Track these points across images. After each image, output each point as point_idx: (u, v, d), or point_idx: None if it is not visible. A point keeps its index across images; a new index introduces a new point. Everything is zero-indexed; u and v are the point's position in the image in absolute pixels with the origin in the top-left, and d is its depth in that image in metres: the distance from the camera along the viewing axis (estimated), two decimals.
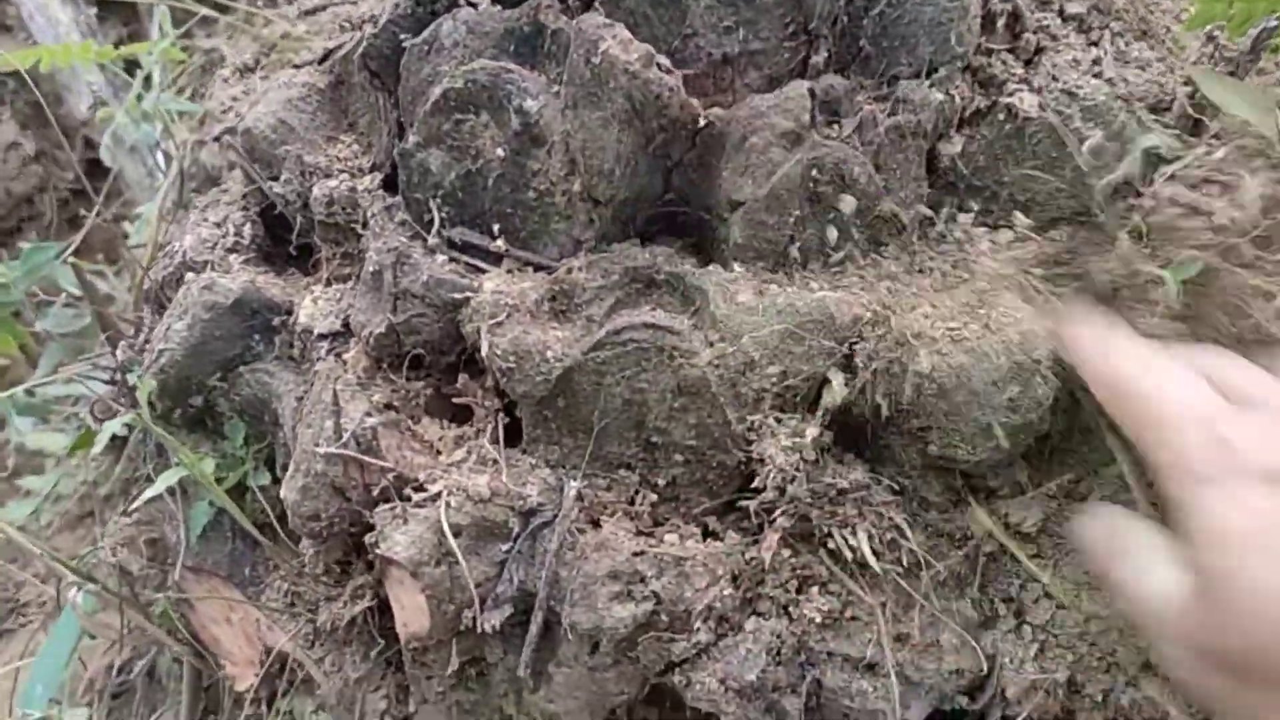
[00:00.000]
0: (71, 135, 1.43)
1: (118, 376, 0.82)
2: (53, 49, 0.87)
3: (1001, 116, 0.69)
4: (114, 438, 0.82)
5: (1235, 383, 0.53)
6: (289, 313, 0.74)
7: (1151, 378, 0.54)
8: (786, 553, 0.68)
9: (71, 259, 0.86)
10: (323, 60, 0.81)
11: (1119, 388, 0.56)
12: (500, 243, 0.68)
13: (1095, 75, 0.68)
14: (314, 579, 0.75)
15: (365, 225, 0.74)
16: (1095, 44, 0.71)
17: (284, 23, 1.02)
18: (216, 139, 0.87)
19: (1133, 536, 0.56)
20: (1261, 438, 0.48)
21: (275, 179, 0.78)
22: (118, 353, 0.79)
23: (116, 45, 1.47)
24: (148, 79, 0.93)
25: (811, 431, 0.64)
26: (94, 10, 1.29)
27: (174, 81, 1.12)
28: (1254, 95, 0.64)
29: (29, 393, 0.88)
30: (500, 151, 0.66)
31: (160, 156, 1.09)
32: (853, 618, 0.69)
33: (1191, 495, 0.49)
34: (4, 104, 1.39)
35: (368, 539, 0.68)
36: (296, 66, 0.82)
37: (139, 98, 0.88)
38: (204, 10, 0.92)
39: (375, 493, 0.68)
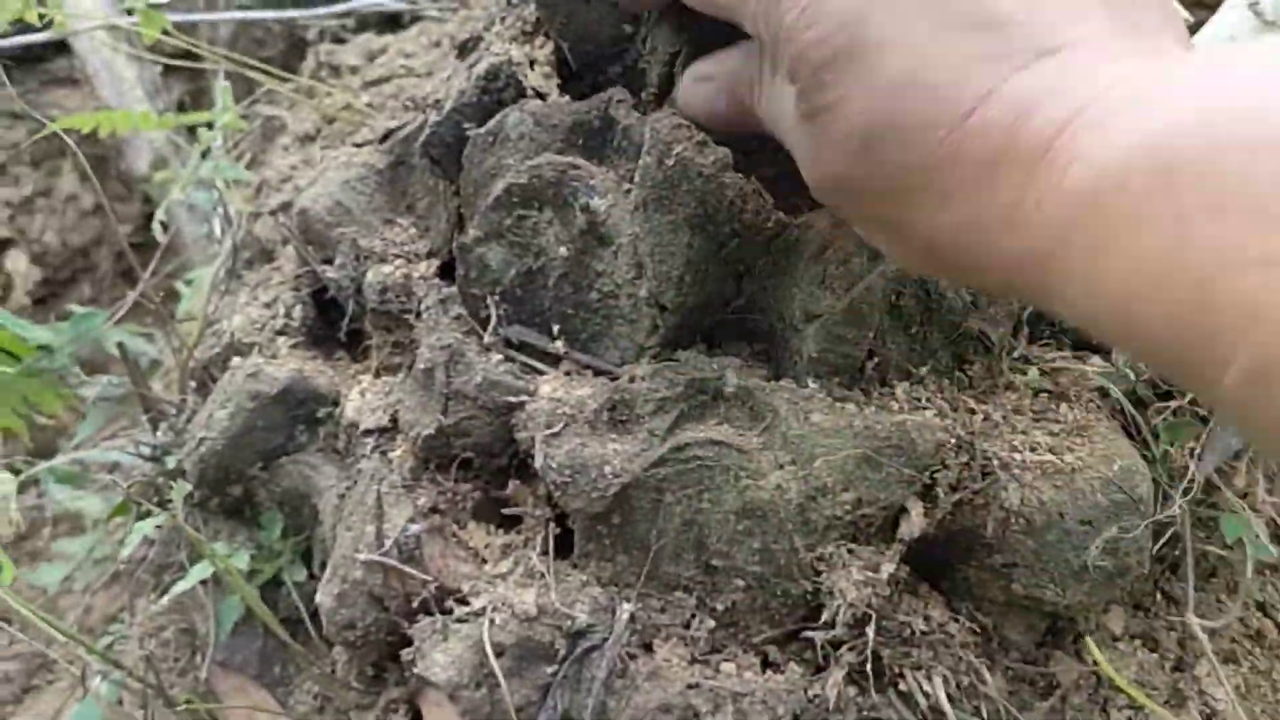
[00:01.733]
0: (132, 190, 1.43)
1: (158, 455, 0.79)
2: (111, 115, 0.86)
3: None
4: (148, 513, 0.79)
5: None
6: (335, 404, 0.71)
7: None
8: (853, 691, 0.63)
9: (118, 331, 0.84)
10: (383, 140, 0.79)
11: None
12: (559, 344, 0.65)
13: None
14: (345, 685, 0.71)
15: (419, 315, 0.70)
16: None
17: (346, 93, 1.00)
18: (272, 213, 0.85)
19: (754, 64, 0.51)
20: None
21: (329, 261, 0.75)
22: (158, 434, 0.77)
23: (180, 104, 1.48)
24: (206, 150, 0.91)
25: (888, 567, 0.59)
26: (159, 69, 1.29)
27: (234, 146, 1.11)
28: None
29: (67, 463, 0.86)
30: (564, 250, 0.63)
31: (218, 221, 1.07)
32: None
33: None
34: (64, 156, 1.40)
35: (404, 655, 0.63)
36: (356, 145, 0.80)
37: (196, 166, 0.86)
38: (268, 82, 0.90)
39: (415, 604, 0.64)
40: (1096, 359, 0.64)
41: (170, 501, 0.64)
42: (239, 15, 1.22)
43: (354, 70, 1.04)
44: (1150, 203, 0.31)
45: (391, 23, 1.30)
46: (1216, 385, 0.30)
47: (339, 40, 1.10)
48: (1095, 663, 0.63)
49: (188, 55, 1.01)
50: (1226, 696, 0.63)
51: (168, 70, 1.45)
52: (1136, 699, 0.60)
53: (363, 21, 1.21)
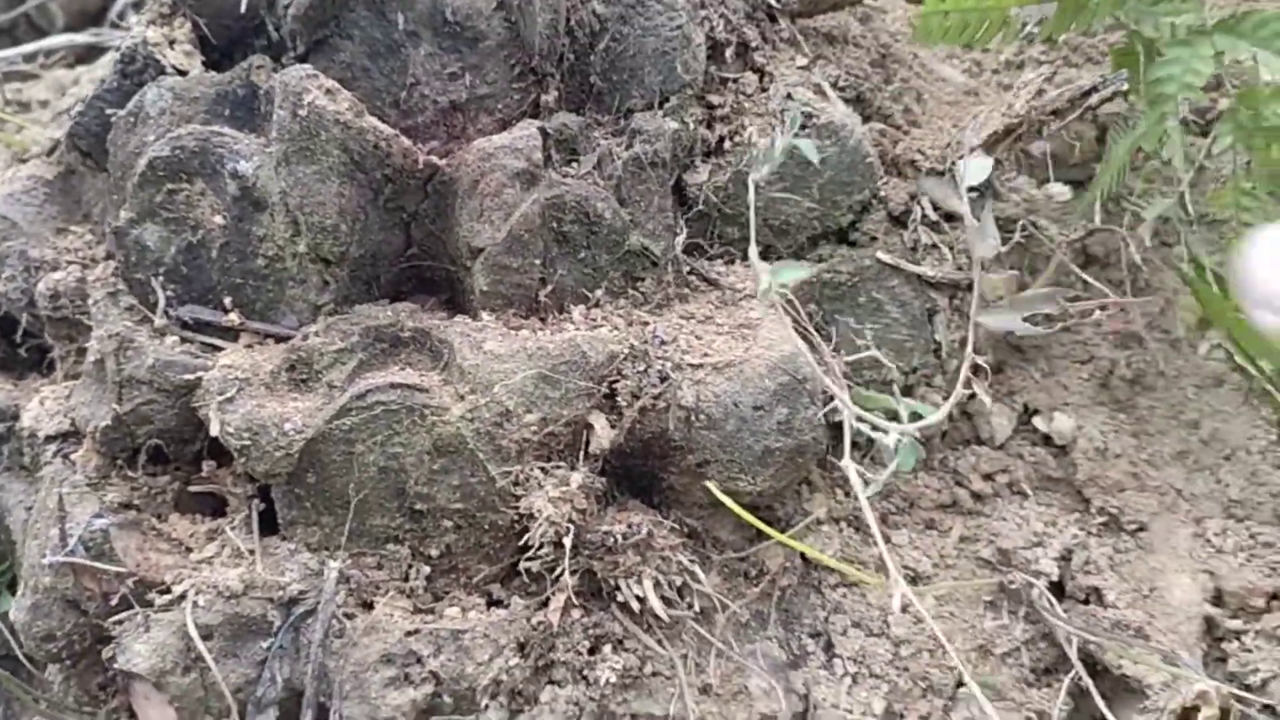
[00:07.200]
0: None
1: None
2: None
3: (746, 142, 0.69)
4: None
5: None
6: (16, 418, 0.68)
7: None
8: (577, 613, 0.63)
9: None
10: (51, 151, 0.77)
11: None
12: (234, 316, 0.64)
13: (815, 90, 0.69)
14: (72, 709, 0.67)
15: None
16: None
17: (35, 128, 0.96)
18: None
19: None
20: None
21: None
22: None
23: None
24: None
25: (576, 478, 0.61)
26: None
27: None
28: None
29: None
30: (220, 219, 0.62)
31: None
32: (653, 673, 0.64)
33: None
34: None
35: (104, 653, 0.61)
36: (22, 160, 0.77)
37: None
38: None
39: (114, 602, 0.62)
40: (763, 264, 0.68)
41: None
42: None
43: (44, 104, 1.00)
44: None
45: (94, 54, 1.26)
46: None
47: (30, 77, 1.06)
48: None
49: None
50: (908, 561, 0.67)
51: None
52: (841, 571, 0.63)
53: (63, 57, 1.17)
